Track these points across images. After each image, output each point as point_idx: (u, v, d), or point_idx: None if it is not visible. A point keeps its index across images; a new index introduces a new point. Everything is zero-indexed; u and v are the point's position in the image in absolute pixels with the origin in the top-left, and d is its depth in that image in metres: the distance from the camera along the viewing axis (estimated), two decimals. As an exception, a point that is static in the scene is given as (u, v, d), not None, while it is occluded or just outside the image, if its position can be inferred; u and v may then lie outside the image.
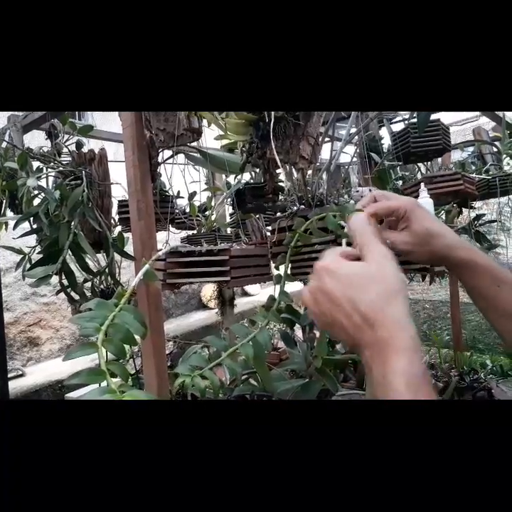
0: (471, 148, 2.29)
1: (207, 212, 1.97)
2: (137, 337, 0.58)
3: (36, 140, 1.60)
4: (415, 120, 1.21)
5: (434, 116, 1.27)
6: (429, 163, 1.68)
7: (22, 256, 1.13)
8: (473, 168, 2.03)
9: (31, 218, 1.10)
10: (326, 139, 1.05)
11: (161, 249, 0.75)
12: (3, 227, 1.63)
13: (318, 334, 1.26)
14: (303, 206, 0.81)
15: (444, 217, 2.01)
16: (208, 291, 4.50)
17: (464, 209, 1.87)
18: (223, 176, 1.94)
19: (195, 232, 1.85)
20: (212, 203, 2.00)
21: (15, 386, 2.49)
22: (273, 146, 0.64)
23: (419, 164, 1.73)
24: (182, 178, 1.43)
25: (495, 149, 1.97)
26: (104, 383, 0.49)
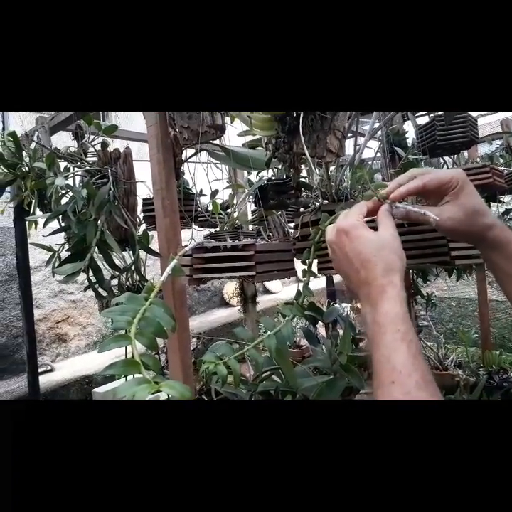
0: (499, 141, 2.22)
1: (229, 210, 1.97)
2: (167, 330, 0.59)
3: (63, 141, 1.64)
4: (441, 112, 1.18)
5: (461, 108, 1.23)
6: (455, 156, 1.64)
7: (51, 253, 1.16)
8: (502, 161, 1.97)
9: (60, 217, 1.13)
10: (349, 134, 1.04)
11: (186, 246, 0.76)
12: (34, 225, 1.68)
13: (341, 331, 1.24)
14: (326, 201, 0.80)
15: (483, 202, 1.95)
16: (230, 288, 4.52)
17: (492, 203, 1.82)
18: (245, 174, 1.94)
19: (217, 229, 1.86)
20: (234, 201, 2.01)
21: (44, 381, 2.57)
22: (302, 140, 0.64)
23: (445, 158, 1.69)
24: (205, 176, 1.44)
25: (524, 141, 1.91)
26: (137, 375, 0.50)
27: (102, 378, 2.55)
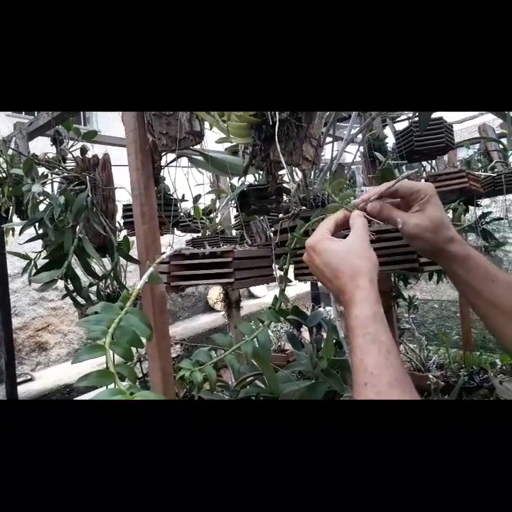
0: (477, 146, 2.27)
1: (211, 215, 1.97)
2: (143, 339, 0.58)
3: (42, 147, 1.62)
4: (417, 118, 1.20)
5: (436, 115, 1.26)
6: (433, 161, 1.67)
7: (28, 261, 1.14)
8: (480, 165, 2.01)
9: (36, 224, 1.11)
10: (329, 139, 1.05)
11: (164, 253, 0.75)
12: (11, 233, 1.65)
13: (325, 335, 1.25)
14: (304, 207, 0.81)
15: (450, 215, 1.99)
16: (215, 293, 4.50)
17: (470, 207, 1.86)
18: (227, 179, 1.94)
19: (200, 234, 1.85)
20: (217, 206, 2.00)
21: (24, 390, 2.51)
22: (278, 148, 0.64)
23: (424, 162, 1.72)
24: (186, 182, 1.44)
25: (501, 146, 1.95)
26: (112, 385, 0.50)
27: (83, 387, 2.51)
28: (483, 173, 1.76)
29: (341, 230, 0.56)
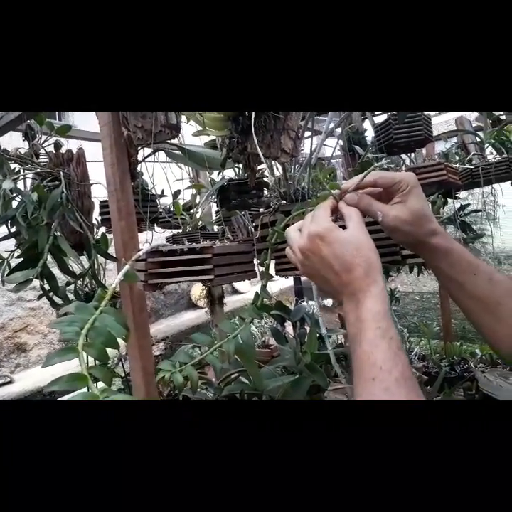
0: (455, 139, 2.30)
1: (192, 211, 1.94)
2: (119, 340, 0.57)
3: (15, 142, 1.56)
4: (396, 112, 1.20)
5: (415, 107, 1.26)
6: (412, 154, 1.68)
7: (0, 261, 1.10)
8: (457, 158, 2.04)
9: (9, 222, 1.07)
10: (308, 133, 1.04)
11: (141, 249, 0.73)
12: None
13: (308, 330, 1.25)
14: (284, 201, 0.80)
15: (429, 207, 2.01)
16: (197, 290, 4.48)
17: (449, 199, 1.88)
18: (207, 173, 1.91)
19: (180, 231, 1.82)
20: (197, 201, 1.98)
21: (3, 393, 2.45)
22: (255, 141, 0.63)
23: (403, 156, 1.73)
24: (165, 177, 1.41)
25: (478, 139, 1.98)
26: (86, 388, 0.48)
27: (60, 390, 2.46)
28: (460, 166, 1.78)
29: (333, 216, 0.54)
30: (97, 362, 0.53)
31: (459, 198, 1.94)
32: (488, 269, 0.52)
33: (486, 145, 1.93)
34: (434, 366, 1.93)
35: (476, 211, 2.06)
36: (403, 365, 0.41)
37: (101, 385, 0.49)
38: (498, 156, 1.87)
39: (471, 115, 2.35)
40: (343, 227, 0.49)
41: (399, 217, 0.51)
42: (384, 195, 0.54)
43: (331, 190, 0.54)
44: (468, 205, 2.00)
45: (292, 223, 0.59)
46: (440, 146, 2.42)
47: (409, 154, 1.58)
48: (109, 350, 0.54)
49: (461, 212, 1.88)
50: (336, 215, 0.53)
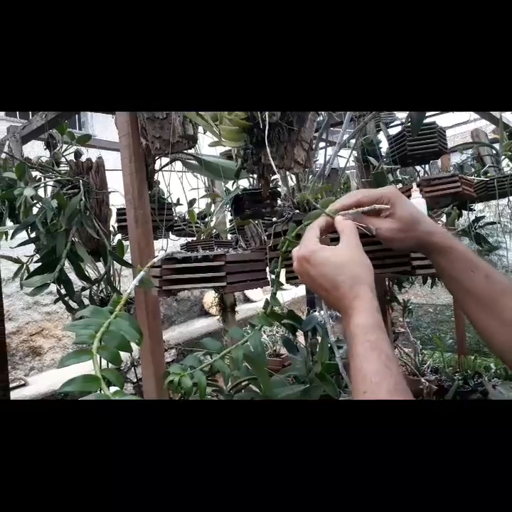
0: (470, 151, 2.29)
1: (206, 219, 1.97)
2: (133, 344, 0.58)
3: (37, 150, 1.61)
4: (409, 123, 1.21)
5: (429, 120, 1.27)
6: (427, 166, 1.68)
7: (19, 265, 1.13)
8: (473, 170, 2.03)
9: (29, 228, 1.10)
10: (322, 144, 1.05)
11: (157, 256, 0.75)
12: (4, 236, 1.64)
13: (320, 339, 1.25)
14: (297, 211, 0.81)
15: (444, 219, 2.00)
16: (210, 297, 4.49)
17: (463, 211, 1.87)
18: (222, 183, 1.94)
19: (194, 238, 1.85)
20: (212, 210, 2.00)
21: (17, 396, 2.49)
22: (268, 152, 0.64)
23: (418, 167, 1.73)
24: (181, 186, 1.44)
25: (494, 151, 1.97)
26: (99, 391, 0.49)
27: (78, 392, 2.48)
28: (476, 178, 1.77)
29: (326, 235, 0.56)
30: (109, 365, 0.54)
31: (474, 210, 1.92)
32: (486, 267, 0.53)
33: (502, 157, 1.91)
34: (447, 379, 1.90)
35: (491, 223, 2.04)
36: (395, 377, 0.41)
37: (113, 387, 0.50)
38: (514, 168, 1.86)
39: (488, 127, 2.34)
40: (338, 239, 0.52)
41: (391, 227, 0.54)
42: (372, 211, 0.56)
43: (324, 209, 0.56)
44: (483, 217, 1.98)
45: (302, 232, 0.61)
46: (456, 158, 2.41)
47: (423, 166, 1.58)
48: (121, 354, 0.56)
49: (475, 224, 1.87)
50: (330, 233, 0.55)
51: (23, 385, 2.80)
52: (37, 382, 2.85)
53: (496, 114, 1.91)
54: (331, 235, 0.55)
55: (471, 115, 1.86)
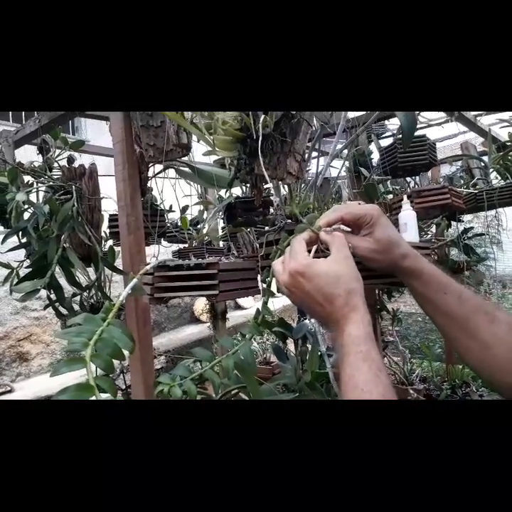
0: (460, 163, 2.33)
1: (198, 226, 1.97)
2: (125, 352, 0.58)
3: (29, 155, 1.61)
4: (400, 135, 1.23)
5: (419, 132, 1.29)
6: (417, 177, 1.70)
7: (10, 270, 1.12)
8: (462, 182, 2.06)
9: (20, 233, 1.10)
10: (315, 154, 1.06)
11: (149, 263, 0.75)
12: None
13: (310, 348, 1.25)
14: (290, 221, 0.82)
15: (434, 229, 2.03)
16: (200, 304, 4.48)
17: (452, 222, 1.89)
18: (215, 190, 1.95)
19: (186, 245, 1.85)
20: (204, 217, 2.01)
21: (3, 402, 2.45)
22: (261, 163, 0.65)
23: (408, 178, 1.75)
24: (173, 193, 1.44)
25: (482, 164, 2.01)
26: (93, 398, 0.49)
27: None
28: (465, 190, 1.80)
29: (311, 247, 0.56)
30: (99, 373, 0.54)
31: (463, 221, 1.95)
32: (458, 288, 0.54)
33: (491, 170, 1.95)
34: (436, 388, 1.92)
35: (479, 235, 2.07)
36: (384, 386, 0.43)
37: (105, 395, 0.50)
38: (502, 181, 1.89)
39: (477, 140, 2.38)
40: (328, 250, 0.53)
41: (368, 247, 0.55)
42: (353, 227, 0.57)
43: (309, 225, 0.57)
44: (472, 228, 2.01)
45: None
46: (445, 170, 2.45)
47: (413, 177, 1.61)
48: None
49: (464, 236, 1.90)
50: (317, 245, 0.56)
51: (9, 391, 2.76)
52: (23, 389, 2.81)
53: (485, 127, 1.95)
54: (314, 248, 0.55)
55: (460, 128, 1.90)
